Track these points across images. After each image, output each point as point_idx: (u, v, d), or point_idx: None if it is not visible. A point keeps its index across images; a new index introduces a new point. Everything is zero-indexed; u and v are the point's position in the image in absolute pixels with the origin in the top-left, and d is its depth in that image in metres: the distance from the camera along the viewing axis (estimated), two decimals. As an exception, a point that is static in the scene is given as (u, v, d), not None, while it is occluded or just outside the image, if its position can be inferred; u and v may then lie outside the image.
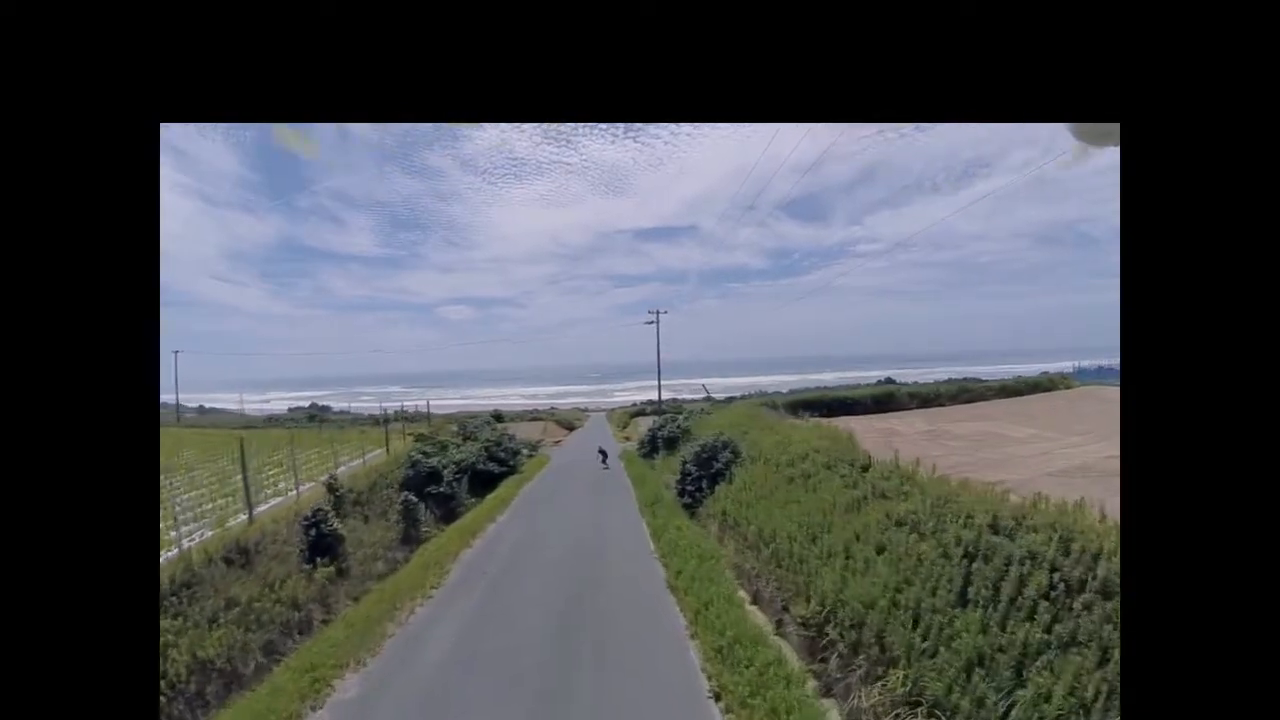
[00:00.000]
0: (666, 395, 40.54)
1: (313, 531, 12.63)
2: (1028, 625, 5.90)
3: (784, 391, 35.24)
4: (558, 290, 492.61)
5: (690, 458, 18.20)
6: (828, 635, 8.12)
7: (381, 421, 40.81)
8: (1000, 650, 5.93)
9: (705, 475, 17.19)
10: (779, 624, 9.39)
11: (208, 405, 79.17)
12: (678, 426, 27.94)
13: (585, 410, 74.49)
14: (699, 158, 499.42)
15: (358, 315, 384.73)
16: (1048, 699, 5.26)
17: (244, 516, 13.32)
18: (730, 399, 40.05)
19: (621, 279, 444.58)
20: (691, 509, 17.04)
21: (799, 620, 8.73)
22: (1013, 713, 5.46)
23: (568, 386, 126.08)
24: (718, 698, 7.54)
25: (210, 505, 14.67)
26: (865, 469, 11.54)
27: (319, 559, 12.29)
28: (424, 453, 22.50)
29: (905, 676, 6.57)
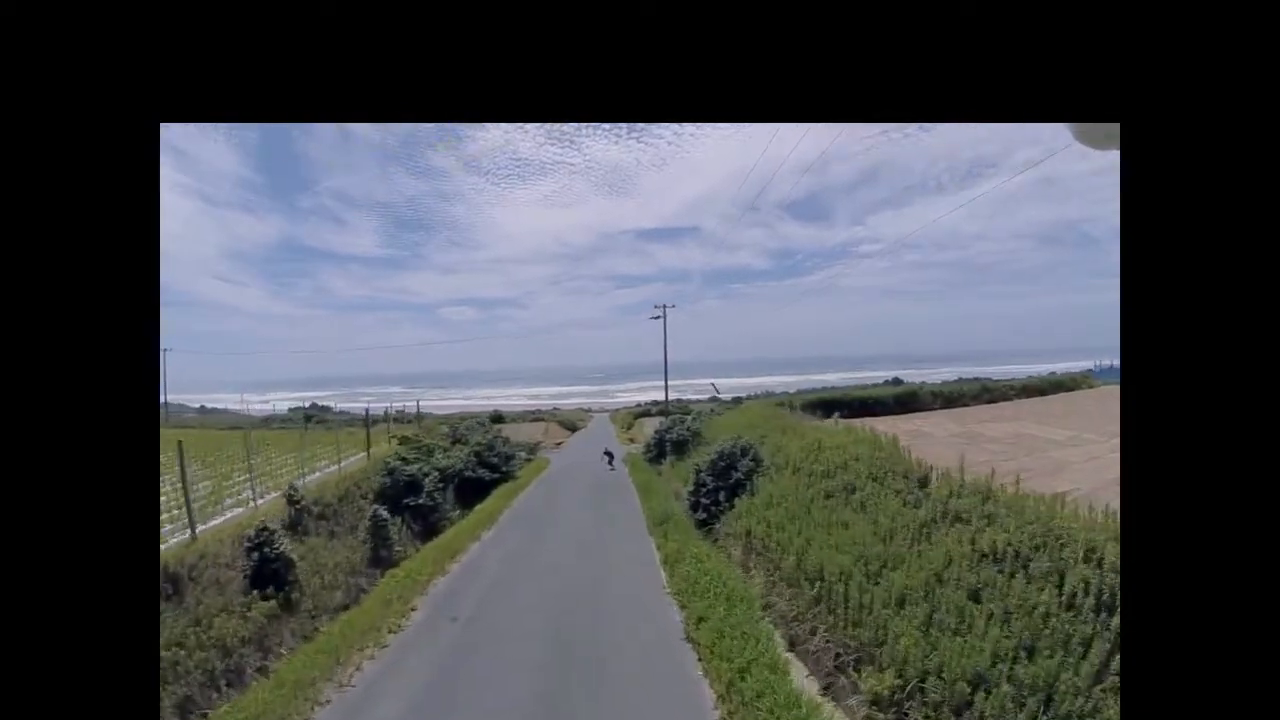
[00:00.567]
0: (671, 395, 40.15)
1: (255, 555, 10.50)
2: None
3: (791, 391, 34.70)
4: (560, 291, 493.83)
5: (705, 466, 16.09)
6: (911, 720, 5.84)
7: (371, 422, 39.03)
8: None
9: (723, 486, 15.00)
10: (828, 688, 7.23)
11: (208, 405, 79.29)
12: (687, 429, 26.24)
13: (588, 411, 74.65)
14: (702, 158, 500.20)
15: (359, 315, 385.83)
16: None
17: (187, 534, 11.22)
18: (737, 399, 39.71)
19: (624, 279, 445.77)
20: (707, 525, 14.93)
21: (869, 697, 6.39)
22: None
23: (570, 387, 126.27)
24: None
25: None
26: (924, 482, 9.63)
27: (263, 589, 10.18)
28: (403, 459, 19.87)
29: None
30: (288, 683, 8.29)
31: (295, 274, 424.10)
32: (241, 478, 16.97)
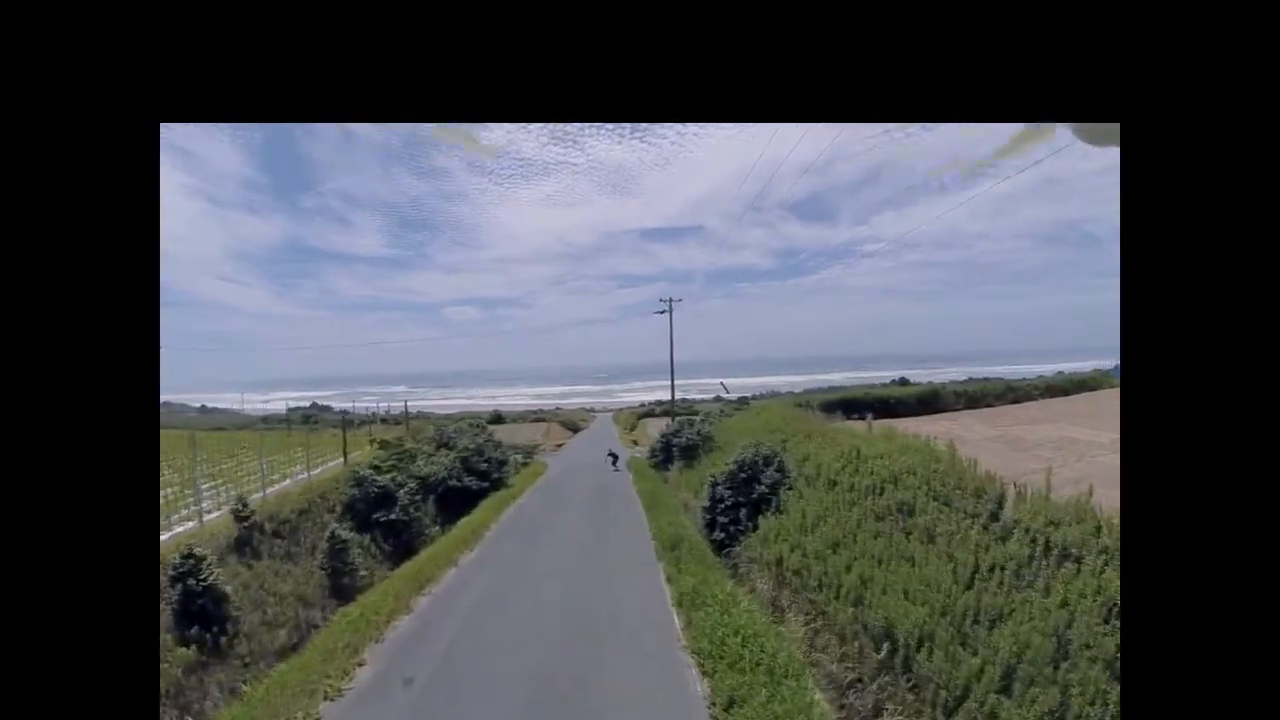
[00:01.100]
0: (675, 395, 39.82)
1: (179, 588, 8.65)
2: None
3: (797, 391, 33.98)
4: (563, 290, 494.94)
5: (722, 478, 13.82)
6: None
7: (359, 423, 35.53)
8: None
9: (744, 502, 12.88)
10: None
11: (210, 405, 79.43)
12: (696, 432, 23.92)
13: (591, 411, 74.61)
14: (705, 157, 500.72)
15: (363, 315, 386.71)
16: None
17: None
18: (743, 399, 39.01)
19: (627, 279, 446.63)
20: (725, 548, 12.78)
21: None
22: None
23: (573, 386, 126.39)
24: None
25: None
26: (1001, 503, 7.74)
27: (184, 630, 8.41)
28: (376, 467, 17.70)
29: None
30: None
31: (299, 274, 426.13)
32: (206, 485, 15.49)
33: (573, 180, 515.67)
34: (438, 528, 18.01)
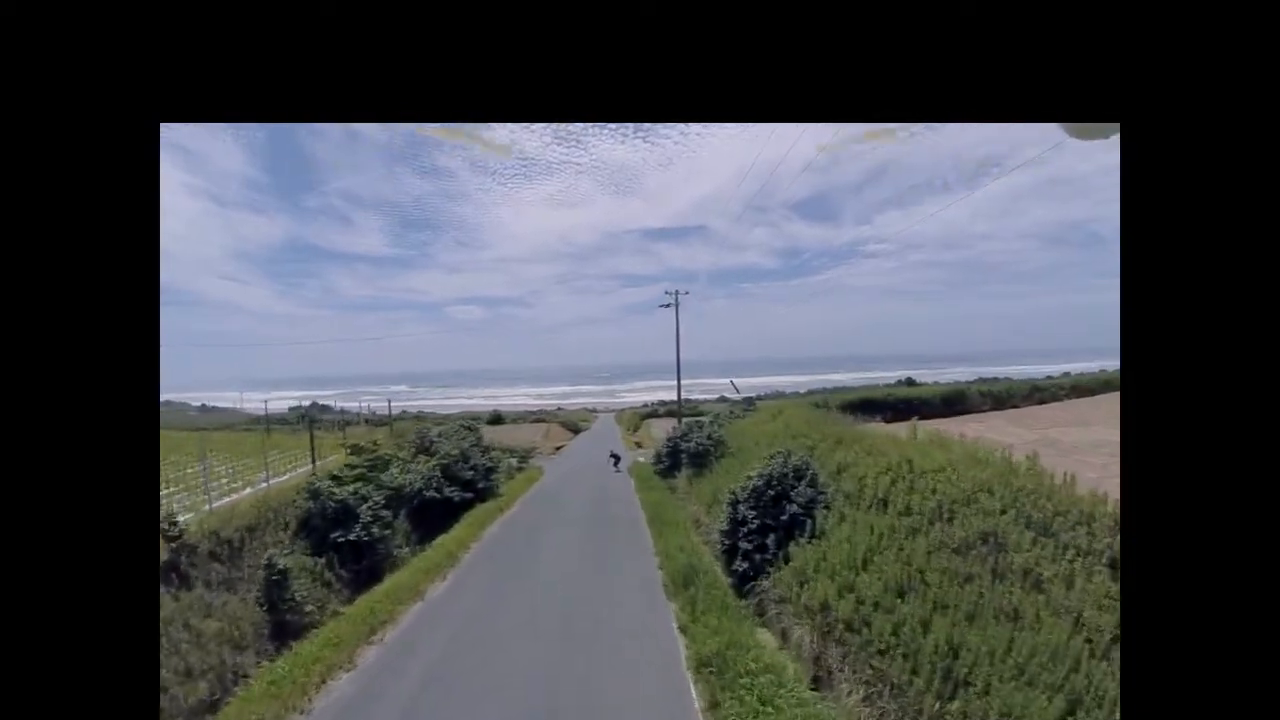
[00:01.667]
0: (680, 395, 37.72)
1: None
2: None
3: (802, 391, 32.25)
4: (566, 290, 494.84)
5: (745, 494, 11.33)
6: None
7: (346, 424, 33.85)
8: None
9: (772, 525, 10.39)
10: None
11: (210, 404, 78.50)
12: (707, 437, 20.92)
13: (593, 411, 72.60)
14: (708, 157, 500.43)
15: (365, 315, 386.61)
16: None
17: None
18: (748, 399, 36.95)
19: (630, 279, 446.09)
20: (751, 582, 10.24)
21: None
22: None
23: (576, 386, 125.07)
24: None
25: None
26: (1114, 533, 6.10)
27: None
28: (336, 477, 14.88)
29: None
30: None
31: (301, 273, 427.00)
32: (172, 490, 14.04)
33: (576, 180, 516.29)
34: (407, 549, 15.24)
